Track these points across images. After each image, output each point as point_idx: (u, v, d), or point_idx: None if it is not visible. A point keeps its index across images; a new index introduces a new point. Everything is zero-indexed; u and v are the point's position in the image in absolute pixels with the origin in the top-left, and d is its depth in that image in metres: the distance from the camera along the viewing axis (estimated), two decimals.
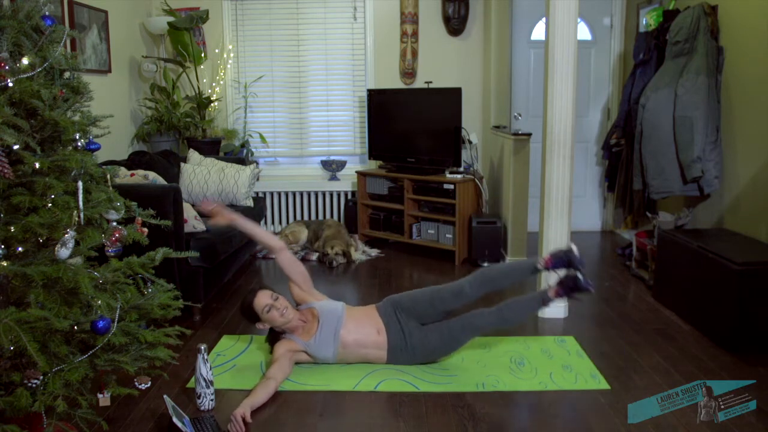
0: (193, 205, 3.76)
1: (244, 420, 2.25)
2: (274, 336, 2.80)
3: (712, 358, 2.88)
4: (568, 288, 2.77)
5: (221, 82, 5.38)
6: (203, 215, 2.97)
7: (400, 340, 2.78)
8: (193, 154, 4.73)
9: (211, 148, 5.06)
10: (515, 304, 2.86)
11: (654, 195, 3.96)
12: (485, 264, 4.49)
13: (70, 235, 1.79)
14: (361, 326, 2.80)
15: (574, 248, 2.78)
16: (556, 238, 3.39)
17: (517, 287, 3.55)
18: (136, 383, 2.06)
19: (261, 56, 5.47)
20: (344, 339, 2.75)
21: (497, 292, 3.08)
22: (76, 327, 1.86)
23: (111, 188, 2.01)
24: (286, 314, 2.70)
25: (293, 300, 2.94)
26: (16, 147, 1.73)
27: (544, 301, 2.85)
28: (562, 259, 2.78)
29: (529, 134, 4.26)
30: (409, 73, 5.39)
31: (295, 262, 2.97)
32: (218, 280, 3.69)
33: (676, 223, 3.89)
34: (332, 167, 5.46)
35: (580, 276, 2.73)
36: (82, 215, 1.84)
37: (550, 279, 3.00)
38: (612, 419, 2.34)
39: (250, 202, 4.54)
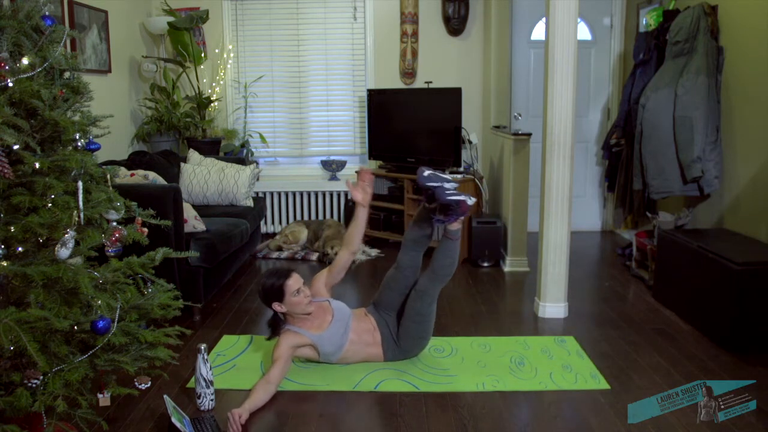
0: (193, 206, 3.76)
1: (240, 422, 2.25)
2: (275, 323, 2.77)
3: (712, 358, 2.88)
4: (441, 211, 2.76)
5: (221, 82, 5.38)
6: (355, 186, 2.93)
7: (387, 332, 2.84)
8: (193, 154, 4.73)
9: (211, 148, 5.06)
10: (436, 253, 2.86)
11: (654, 195, 3.96)
12: (485, 264, 4.50)
13: (70, 235, 1.79)
14: (362, 323, 2.85)
15: (420, 172, 2.75)
16: (556, 238, 3.39)
17: None
18: (136, 383, 2.06)
19: (261, 56, 5.47)
20: (352, 337, 2.78)
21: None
22: (76, 327, 1.86)
23: (111, 188, 2.01)
24: (311, 304, 2.72)
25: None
26: (16, 147, 1.73)
27: (446, 233, 2.82)
28: (425, 187, 2.76)
29: (529, 134, 4.26)
30: (409, 73, 5.39)
31: (347, 268, 3.01)
32: (218, 280, 3.69)
33: (676, 223, 3.89)
34: (332, 167, 5.46)
35: (438, 193, 2.71)
36: (82, 215, 1.85)
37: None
38: (612, 419, 2.34)
39: (250, 202, 4.54)
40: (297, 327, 2.72)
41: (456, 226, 2.81)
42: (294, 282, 2.67)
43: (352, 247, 2.94)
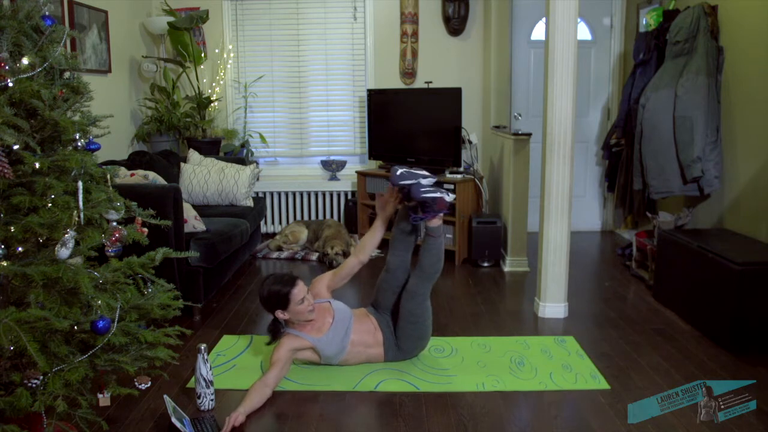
0: (193, 206, 3.76)
1: (235, 426, 2.25)
2: (275, 327, 2.76)
3: (712, 358, 2.88)
4: (424, 207, 2.75)
5: (221, 82, 5.38)
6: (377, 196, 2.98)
7: (389, 334, 2.83)
8: (193, 154, 4.73)
9: (211, 148, 5.06)
10: (422, 252, 2.85)
11: (654, 195, 3.96)
12: (485, 264, 4.50)
13: (70, 235, 1.79)
14: (363, 324, 2.84)
15: (396, 169, 2.74)
16: (556, 238, 3.39)
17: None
18: (136, 383, 2.06)
19: (261, 56, 5.47)
20: (353, 338, 2.77)
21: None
22: (76, 327, 1.86)
23: (111, 188, 2.00)
24: (313, 311, 2.70)
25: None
26: (16, 147, 1.73)
27: (428, 233, 2.82)
28: (399, 186, 2.75)
29: (529, 134, 4.26)
30: (409, 73, 5.39)
31: (352, 275, 3.00)
32: (218, 280, 3.69)
33: (676, 223, 3.89)
34: (332, 167, 5.46)
35: (408, 190, 2.71)
36: (82, 215, 1.84)
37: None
38: (612, 419, 2.34)
39: (250, 202, 4.54)
40: (297, 330, 2.70)
41: (436, 222, 2.80)
42: (299, 291, 2.62)
43: (363, 257, 2.94)
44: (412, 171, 2.75)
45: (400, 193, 2.81)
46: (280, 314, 2.66)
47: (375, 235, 2.94)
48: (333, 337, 2.72)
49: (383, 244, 4.99)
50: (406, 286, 2.83)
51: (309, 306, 2.66)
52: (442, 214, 2.80)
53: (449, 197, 2.74)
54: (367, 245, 2.94)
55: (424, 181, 2.73)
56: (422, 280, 2.82)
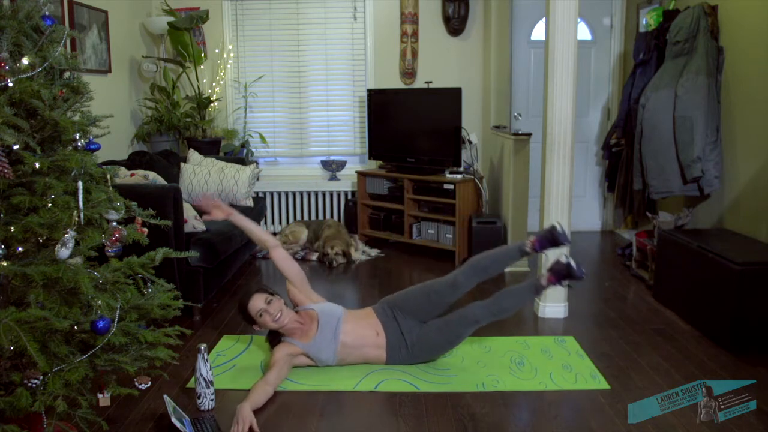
0: (193, 206, 3.76)
1: (252, 429, 2.24)
2: (274, 336, 2.80)
3: (712, 358, 2.88)
4: (560, 274, 2.77)
5: (221, 82, 5.38)
6: (201, 211, 2.99)
7: (399, 338, 2.78)
8: (193, 154, 4.73)
9: (211, 148, 5.06)
10: (510, 293, 2.85)
11: (654, 195, 3.96)
12: None
13: (70, 235, 1.79)
14: (360, 327, 2.80)
15: (558, 225, 2.79)
16: (576, 260, 3.38)
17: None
18: (136, 383, 2.06)
19: (261, 56, 5.47)
20: (343, 340, 2.74)
21: (493, 281, 3.05)
22: (76, 327, 1.86)
23: (111, 188, 2.00)
24: (280, 319, 2.67)
25: (291, 301, 2.93)
26: (16, 147, 1.73)
27: (537, 289, 2.84)
28: (547, 238, 2.80)
29: (529, 134, 4.26)
30: (409, 73, 5.39)
31: (289, 259, 2.98)
32: (218, 280, 3.69)
33: (676, 223, 3.89)
34: (332, 167, 5.46)
35: (572, 263, 2.73)
36: (82, 215, 1.84)
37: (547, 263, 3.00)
38: (612, 419, 2.34)
39: (250, 202, 4.54)
40: (290, 338, 2.74)
41: (550, 288, 2.86)
42: (254, 304, 2.67)
43: (268, 244, 2.97)
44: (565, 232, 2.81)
45: (548, 243, 2.81)
46: (255, 327, 2.75)
47: (249, 228, 3.00)
48: (320, 341, 2.72)
49: (383, 244, 5.03)
50: (467, 312, 2.78)
51: (271, 317, 2.65)
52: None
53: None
54: (257, 238, 3.02)
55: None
56: (491, 317, 2.79)
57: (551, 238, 2.80)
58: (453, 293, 2.83)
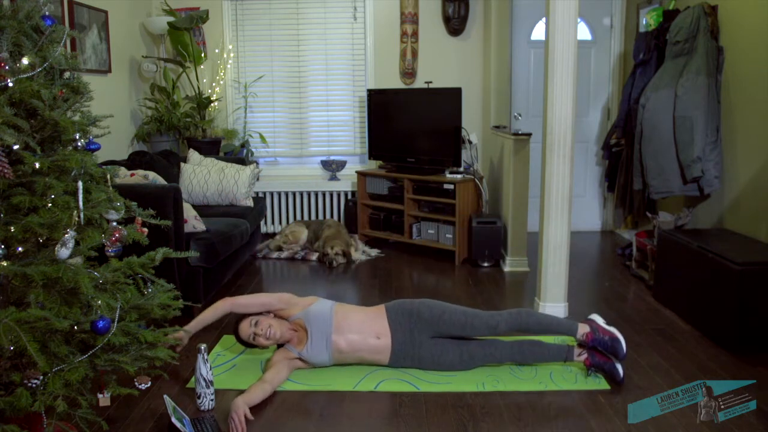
0: (193, 206, 3.76)
1: (246, 418, 2.26)
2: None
3: (712, 358, 2.88)
4: (598, 365, 2.67)
5: (221, 82, 5.38)
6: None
7: (406, 348, 2.73)
8: (193, 154, 4.73)
9: (211, 148, 5.06)
10: (538, 347, 2.76)
11: (654, 195, 3.96)
12: (485, 264, 4.49)
13: (70, 235, 1.79)
14: (357, 330, 2.73)
15: (622, 339, 2.66)
16: (556, 238, 3.39)
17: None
18: (136, 383, 2.06)
19: (261, 56, 5.47)
20: (337, 344, 2.70)
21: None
22: (76, 327, 1.86)
23: (111, 188, 2.01)
24: (272, 335, 2.65)
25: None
26: (16, 147, 1.73)
27: (567, 355, 2.75)
28: (605, 345, 2.67)
29: (529, 134, 4.26)
30: (409, 73, 5.39)
31: (248, 302, 2.81)
32: (218, 280, 3.69)
33: (676, 223, 3.89)
34: (332, 167, 5.46)
35: (619, 368, 2.63)
36: (82, 215, 1.84)
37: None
38: (612, 419, 2.34)
39: (250, 202, 4.54)
40: (288, 345, 2.76)
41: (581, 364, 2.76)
42: (243, 332, 2.69)
43: (224, 310, 2.82)
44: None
45: (602, 348, 2.68)
46: (261, 347, 2.75)
47: (202, 320, 2.81)
48: (313, 347, 2.71)
49: (383, 245, 5.03)
50: (492, 351, 2.73)
51: (262, 337, 2.65)
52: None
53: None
54: (214, 313, 2.81)
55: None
56: (511, 358, 2.75)
57: (609, 347, 2.65)
58: (488, 334, 2.77)
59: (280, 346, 2.78)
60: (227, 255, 3.70)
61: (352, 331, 2.73)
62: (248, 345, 2.74)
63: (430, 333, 2.75)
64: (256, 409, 2.39)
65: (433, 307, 2.78)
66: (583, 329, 2.75)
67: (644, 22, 4.50)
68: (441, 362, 2.74)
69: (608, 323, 2.79)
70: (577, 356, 2.73)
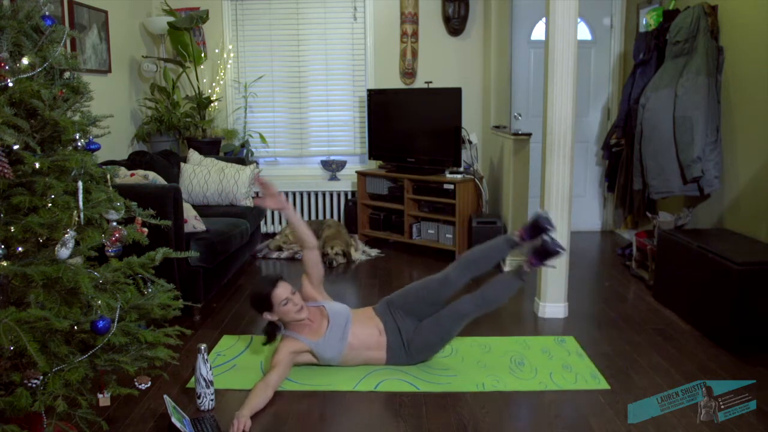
0: (193, 206, 3.76)
1: (244, 429, 2.24)
2: (272, 328, 2.77)
3: (712, 358, 2.88)
4: (539, 255, 2.77)
5: (221, 82, 5.38)
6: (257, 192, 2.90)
7: (397, 338, 2.78)
8: (193, 154, 4.73)
9: (211, 148, 5.06)
10: (495, 283, 2.84)
11: (654, 195, 3.96)
12: None
13: (70, 235, 1.79)
14: (365, 327, 2.79)
15: (541, 212, 2.79)
16: (556, 238, 3.38)
17: None
18: (136, 383, 2.06)
19: (261, 56, 5.47)
20: (351, 341, 2.74)
21: (484, 276, 2.97)
22: (76, 327, 1.86)
23: (111, 188, 2.00)
24: (301, 312, 2.66)
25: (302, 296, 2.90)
26: (16, 147, 1.73)
27: (521, 274, 2.82)
28: (533, 227, 2.80)
29: (529, 134, 4.26)
30: (409, 73, 5.39)
31: (320, 262, 2.93)
32: (218, 280, 3.69)
33: (676, 223, 3.89)
34: (332, 167, 5.46)
35: (547, 238, 2.73)
36: (82, 215, 1.84)
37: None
38: (612, 419, 2.34)
39: (250, 202, 4.54)
40: (295, 333, 2.70)
41: (534, 270, 2.83)
42: (281, 291, 2.62)
43: (308, 244, 2.86)
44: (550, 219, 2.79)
45: (530, 230, 2.80)
46: (268, 315, 2.68)
47: (296, 224, 2.85)
48: (329, 340, 2.71)
49: (383, 244, 5.03)
50: (456, 307, 2.77)
51: (295, 307, 2.63)
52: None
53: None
54: (302, 235, 2.85)
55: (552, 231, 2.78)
56: (479, 309, 2.78)
57: (536, 226, 2.79)
58: (445, 290, 2.83)
59: (274, 335, 2.74)
60: (227, 255, 3.70)
61: (362, 328, 2.78)
62: (265, 306, 2.64)
63: (410, 317, 2.81)
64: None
65: (400, 292, 2.90)
66: (516, 231, 2.88)
67: (644, 22, 4.50)
68: (423, 342, 2.77)
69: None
70: (527, 267, 2.81)
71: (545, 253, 2.76)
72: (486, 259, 2.92)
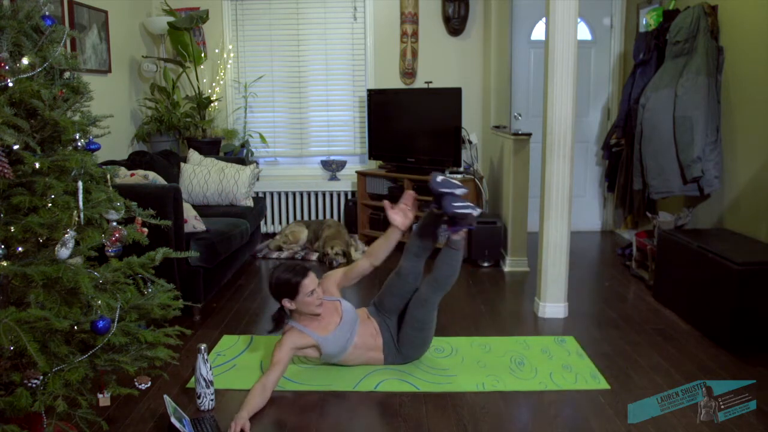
0: (193, 206, 3.76)
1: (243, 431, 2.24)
2: (280, 315, 2.71)
3: (712, 358, 2.88)
4: (449, 221, 2.74)
5: (221, 82, 5.38)
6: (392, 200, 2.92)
7: (389, 338, 2.81)
8: (193, 154, 4.73)
9: (211, 148, 5.06)
10: (438, 262, 2.82)
11: (654, 195, 3.96)
12: (485, 264, 4.49)
13: (70, 235, 1.79)
14: (366, 328, 2.81)
15: (434, 175, 2.73)
16: (556, 238, 3.39)
17: None
18: (136, 383, 2.06)
19: (261, 56, 5.47)
20: (357, 341, 2.74)
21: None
22: (76, 327, 1.86)
23: (111, 188, 2.01)
24: (320, 306, 2.66)
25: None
26: (16, 147, 1.73)
27: (452, 244, 2.79)
28: (433, 195, 2.75)
29: (529, 134, 4.26)
30: (409, 73, 5.39)
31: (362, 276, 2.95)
32: (218, 280, 3.69)
33: (676, 223, 3.89)
34: (332, 167, 5.46)
35: (445, 203, 2.68)
36: (82, 215, 1.84)
37: None
38: (612, 419, 2.34)
39: (250, 202, 4.54)
40: (302, 326, 2.66)
41: (459, 236, 2.78)
42: (310, 282, 2.60)
43: (376, 261, 2.88)
44: (450, 180, 2.73)
45: (435, 201, 2.77)
46: (287, 303, 2.62)
47: (389, 241, 2.85)
48: (338, 337, 2.70)
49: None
50: (416, 294, 2.79)
51: (318, 300, 2.62)
52: (466, 229, 2.78)
53: (476, 212, 2.73)
54: (381, 250, 2.87)
55: (458, 191, 2.71)
56: (435, 290, 2.79)
57: (434, 194, 2.74)
58: (405, 280, 2.83)
59: (281, 324, 2.71)
60: (227, 255, 3.70)
61: (364, 329, 2.79)
62: (290, 293, 2.59)
63: (393, 315, 2.84)
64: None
65: (380, 292, 2.93)
66: (433, 204, 2.84)
67: (644, 22, 4.50)
68: (407, 340, 2.79)
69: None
70: (451, 235, 2.78)
71: (455, 217, 2.71)
72: (425, 238, 2.90)
